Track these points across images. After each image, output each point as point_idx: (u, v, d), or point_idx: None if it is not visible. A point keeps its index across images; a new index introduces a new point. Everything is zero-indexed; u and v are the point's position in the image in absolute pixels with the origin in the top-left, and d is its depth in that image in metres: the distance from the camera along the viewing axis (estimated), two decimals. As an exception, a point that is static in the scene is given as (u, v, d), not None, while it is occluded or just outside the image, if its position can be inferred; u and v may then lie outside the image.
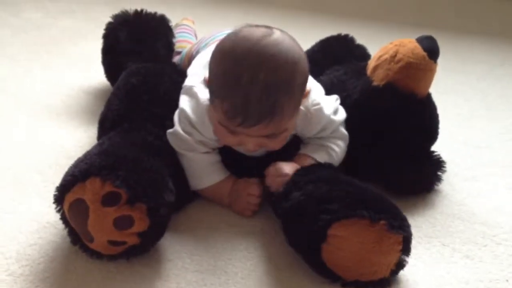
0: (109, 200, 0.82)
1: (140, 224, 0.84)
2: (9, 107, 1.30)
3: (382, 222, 0.82)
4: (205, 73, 0.96)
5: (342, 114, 1.04)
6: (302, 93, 0.92)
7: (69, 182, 0.84)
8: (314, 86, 1.03)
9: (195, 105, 0.98)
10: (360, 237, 0.83)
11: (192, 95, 0.99)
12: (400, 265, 0.87)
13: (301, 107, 0.96)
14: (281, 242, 0.94)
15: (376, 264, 0.85)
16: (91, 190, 0.82)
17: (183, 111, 0.98)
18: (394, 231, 0.83)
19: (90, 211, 0.82)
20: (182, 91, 1.03)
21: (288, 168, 0.97)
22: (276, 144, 0.94)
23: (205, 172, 1.00)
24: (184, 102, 1.00)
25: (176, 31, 1.42)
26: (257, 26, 0.90)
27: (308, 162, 1.00)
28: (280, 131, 0.91)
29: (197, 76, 1.03)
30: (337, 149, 1.02)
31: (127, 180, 0.83)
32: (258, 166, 1.03)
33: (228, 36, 0.90)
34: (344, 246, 0.84)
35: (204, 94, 0.97)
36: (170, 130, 1.00)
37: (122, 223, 0.83)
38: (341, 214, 0.84)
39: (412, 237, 0.86)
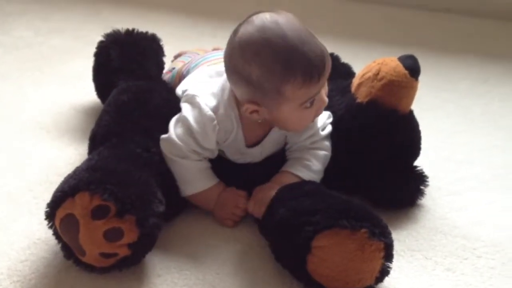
0: (98, 213, 0.84)
1: (130, 235, 0.86)
2: (0, 125, 1.31)
3: (363, 230, 0.85)
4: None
5: (327, 130, 1.08)
6: None
7: (59, 198, 0.86)
8: None
9: (197, 115, 1.00)
10: (342, 246, 0.85)
11: (195, 104, 1.00)
12: (384, 272, 0.89)
13: None
14: (269, 256, 0.96)
15: (360, 272, 0.87)
16: (80, 205, 0.84)
17: (185, 119, 1.00)
18: (375, 238, 0.85)
19: (81, 225, 0.84)
20: (183, 99, 1.04)
21: (269, 195, 0.99)
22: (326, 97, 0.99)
23: (195, 178, 1.02)
24: (187, 111, 1.01)
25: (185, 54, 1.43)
26: (242, 23, 0.94)
27: (288, 177, 1.04)
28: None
29: (199, 84, 1.05)
30: (314, 160, 1.05)
31: (115, 193, 0.85)
32: (249, 175, 1.06)
33: (237, 42, 0.92)
34: (328, 257, 0.86)
35: (207, 103, 0.99)
36: (164, 136, 1.01)
37: (112, 235, 0.85)
38: (323, 225, 0.86)
39: (394, 245, 0.89)
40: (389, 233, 0.88)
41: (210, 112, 0.99)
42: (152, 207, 0.89)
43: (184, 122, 1.00)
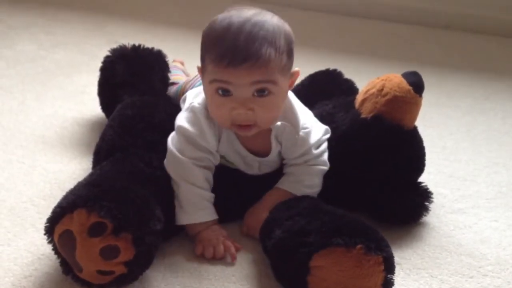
0: (95, 230, 0.83)
1: (126, 253, 0.85)
2: (4, 139, 1.31)
3: (358, 246, 0.84)
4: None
5: (322, 147, 1.07)
6: (290, 59, 0.97)
7: (58, 213, 0.86)
8: (304, 112, 1.07)
9: (190, 115, 1.02)
10: (340, 264, 0.85)
11: (188, 108, 1.03)
12: (388, 284, 0.89)
13: (291, 127, 1.01)
14: (273, 274, 0.96)
15: (361, 287, 0.86)
16: (78, 221, 0.84)
17: (179, 128, 1.02)
18: (372, 253, 0.85)
19: (77, 242, 0.84)
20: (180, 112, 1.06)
21: (261, 219, 1.00)
22: (265, 111, 0.96)
23: (196, 207, 1.01)
24: (180, 118, 1.03)
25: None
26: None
27: (278, 194, 1.04)
28: (268, 83, 0.93)
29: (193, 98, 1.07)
30: (307, 175, 1.06)
31: (112, 210, 0.85)
32: (253, 185, 1.07)
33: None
34: (328, 276, 0.86)
35: (198, 103, 1.02)
36: (165, 160, 1.02)
37: (108, 253, 0.84)
38: (318, 245, 0.86)
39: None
40: (386, 246, 0.88)
41: (201, 106, 1.01)
42: (149, 225, 0.89)
43: (179, 131, 1.02)
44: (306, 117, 1.06)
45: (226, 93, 0.94)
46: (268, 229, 0.97)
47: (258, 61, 0.91)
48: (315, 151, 1.06)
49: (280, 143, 1.05)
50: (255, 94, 0.94)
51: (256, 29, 0.91)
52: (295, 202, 1.01)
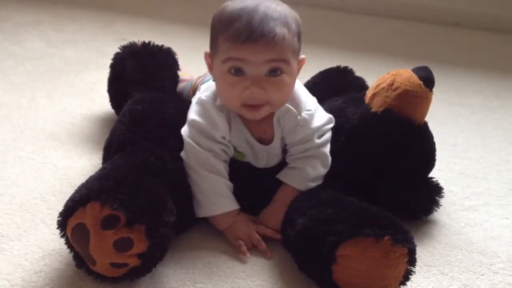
0: (108, 223, 0.84)
1: (139, 245, 0.85)
2: (14, 136, 1.31)
3: (386, 237, 0.85)
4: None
5: (325, 137, 1.07)
6: (299, 43, 0.98)
7: (71, 207, 0.86)
8: (308, 97, 1.08)
9: (200, 108, 1.03)
10: (367, 254, 0.85)
11: (197, 101, 1.04)
12: (407, 275, 0.90)
13: (293, 109, 1.01)
14: (283, 269, 0.96)
15: (386, 278, 0.87)
16: (91, 214, 0.84)
17: (191, 122, 1.02)
18: (399, 244, 0.85)
19: (91, 235, 0.84)
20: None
21: (281, 215, 1.01)
22: (276, 92, 0.96)
23: (220, 196, 1.02)
24: (191, 112, 1.04)
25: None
26: None
27: (289, 193, 1.04)
28: (282, 62, 0.94)
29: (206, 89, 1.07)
30: (310, 169, 1.05)
31: (125, 202, 0.85)
32: (265, 178, 1.07)
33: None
34: (353, 265, 0.86)
35: (206, 95, 1.03)
36: (183, 152, 1.03)
37: (121, 245, 0.84)
38: (347, 234, 0.87)
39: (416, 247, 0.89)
40: (412, 238, 0.89)
41: (208, 98, 1.02)
42: (162, 217, 0.89)
43: (190, 124, 1.02)
44: (310, 101, 1.06)
45: (238, 72, 0.95)
46: (289, 219, 0.97)
47: (274, 39, 0.92)
48: (317, 141, 1.05)
49: (283, 126, 1.05)
50: (268, 74, 0.95)
51: (270, 11, 0.93)
52: (314, 193, 1.01)
